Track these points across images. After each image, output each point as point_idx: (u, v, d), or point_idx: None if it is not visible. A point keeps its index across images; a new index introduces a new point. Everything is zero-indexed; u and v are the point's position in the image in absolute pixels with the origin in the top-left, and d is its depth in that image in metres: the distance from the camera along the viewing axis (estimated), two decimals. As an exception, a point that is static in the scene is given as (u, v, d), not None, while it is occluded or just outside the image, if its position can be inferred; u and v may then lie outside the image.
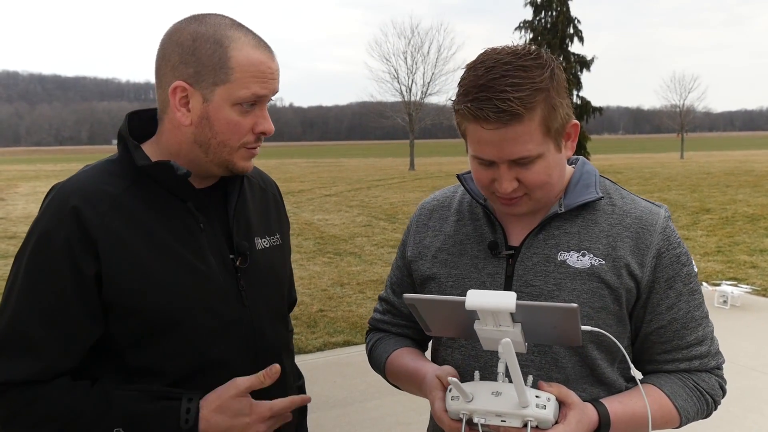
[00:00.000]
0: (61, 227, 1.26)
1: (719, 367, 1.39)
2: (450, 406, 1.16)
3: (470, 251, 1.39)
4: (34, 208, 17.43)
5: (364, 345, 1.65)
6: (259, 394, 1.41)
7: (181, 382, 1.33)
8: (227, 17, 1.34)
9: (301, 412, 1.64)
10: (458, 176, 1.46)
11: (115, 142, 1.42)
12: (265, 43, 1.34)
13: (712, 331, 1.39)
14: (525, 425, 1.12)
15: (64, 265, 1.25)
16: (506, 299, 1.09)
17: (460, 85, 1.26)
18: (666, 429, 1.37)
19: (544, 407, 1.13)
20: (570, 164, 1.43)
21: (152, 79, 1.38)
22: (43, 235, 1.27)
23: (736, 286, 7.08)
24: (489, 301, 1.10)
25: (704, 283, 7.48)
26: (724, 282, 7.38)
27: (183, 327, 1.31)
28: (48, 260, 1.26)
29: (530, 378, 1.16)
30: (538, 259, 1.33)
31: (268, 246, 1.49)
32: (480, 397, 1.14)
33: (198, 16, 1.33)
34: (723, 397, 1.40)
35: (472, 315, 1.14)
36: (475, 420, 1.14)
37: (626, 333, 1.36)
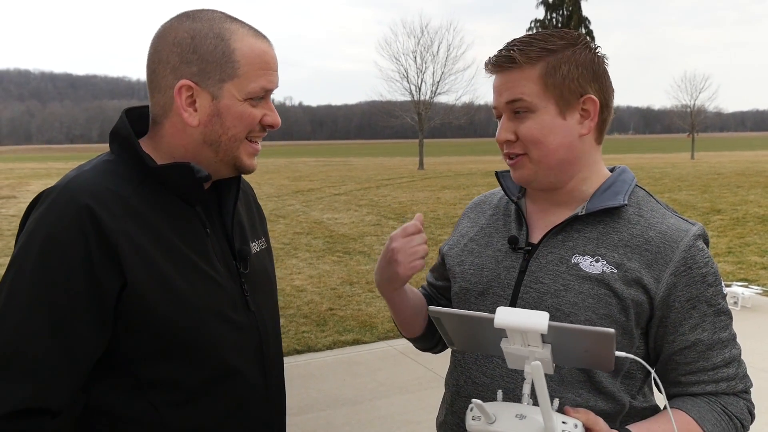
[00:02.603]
0: (74, 230, 1.14)
1: (747, 391, 1.35)
2: (471, 427, 1.11)
3: (495, 244, 1.45)
4: (45, 206, 17.50)
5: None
6: (265, 394, 1.39)
7: (195, 393, 1.28)
8: (218, 11, 1.29)
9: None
10: (497, 174, 1.53)
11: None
12: (261, 33, 1.31)
13: (740, 353, 1.36)
14: None
15: (80, 277, 1.14)
16: (538, 319, 1.04)
17: None
18: None
19: None
20: (610, 171, 1.44)
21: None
22: (52, 240, 1.14)
23: (746, 287, 7.05)
24: (519, 320, 1.04)
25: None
26: (734, 283, 7.34)
27: (199, 335, 1.26)
28: (61, 270, 1.14)
29: (556, 401, 1.10)
30: (552, 258, 1.35)
31: (259, 250, 1.46)
32: (503, 420, 1.08)
33: (189, 13, 1.28)
34: (752, 423, 1.35)
35: (500, 332, 1.09)
36: None
37: (632, 346, 1.33)
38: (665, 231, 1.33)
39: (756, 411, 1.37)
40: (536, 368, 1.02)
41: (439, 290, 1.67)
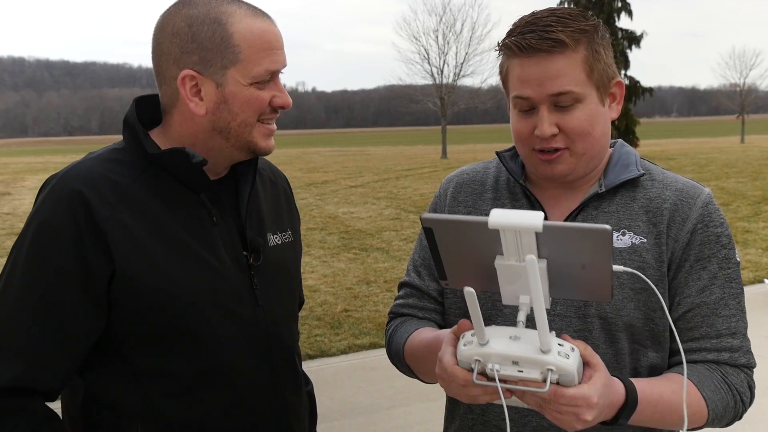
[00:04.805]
0: (66, 215, 1.24)
1: (749, 366, 1.35)
2: (462, 353, 1.09)
3: None
4: (42, 202, 17.78)
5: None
6: (274, 396, 1.43)
7: (190, 386, 1.33)
8: None
9: (311, 419, 1.64)
10: (498, 153, 1.49)
11: (127, 131, 1.41)
12: (262, 11, 1.35)
13: (746, 329, 1.36)
14: (544, 380, 1.03)
15: (70, 258, 1.23)
16: (533, 217, 1.03)
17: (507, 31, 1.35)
18: (694, 425, 1.30)
19: (567, 357, 1.04)
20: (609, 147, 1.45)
21: (166, 63, 1.37)
22: (45, 224, 1.25)
23: (802, 283, 6.93)
24: (514, 219, 1.04)
25: (766, 280, 7.33)
26: (788, 279, 7.22)
27: (196, 327, 1.32)
28: (51, 252, 1.24)
29: (553, 332, 1.07)
30: None
31: (280, 243, 1.50)
32: (495, 341, 1.07)
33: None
34: (751, 402, 1.36)
35: (495, 248, 1.08)
36: (489, 367, 1.05)
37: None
38: (681, 189, 1.37)
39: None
40: (530, 262, 1.01)
41: (423, 298, 1.53)
